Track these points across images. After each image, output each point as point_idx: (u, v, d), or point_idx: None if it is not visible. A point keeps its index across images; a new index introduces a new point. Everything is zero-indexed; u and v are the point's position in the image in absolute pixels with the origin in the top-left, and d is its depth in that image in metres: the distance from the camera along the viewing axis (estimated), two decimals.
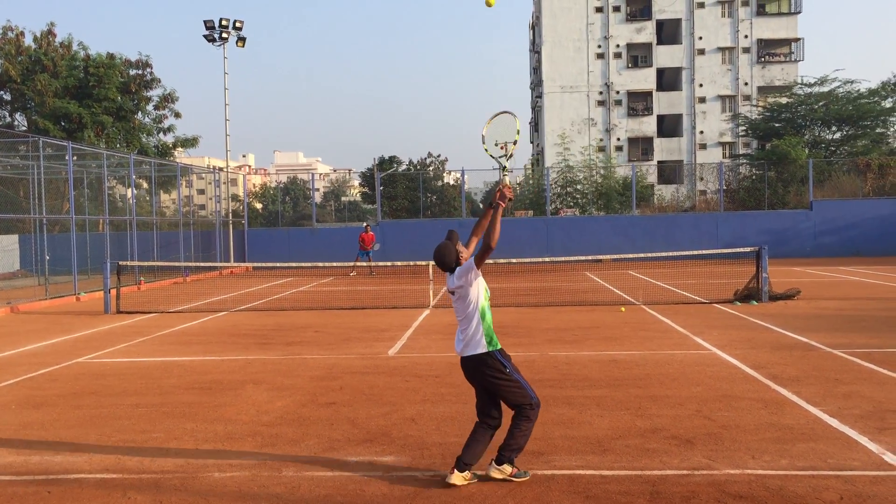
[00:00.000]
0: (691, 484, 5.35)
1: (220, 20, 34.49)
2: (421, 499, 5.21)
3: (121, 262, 18.62)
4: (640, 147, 62.96)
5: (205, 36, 34.86)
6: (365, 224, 30.05)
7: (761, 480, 5.39)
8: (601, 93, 62.46)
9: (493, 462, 5.47)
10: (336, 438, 6.69)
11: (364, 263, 26.26)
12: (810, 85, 48.80)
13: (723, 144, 61.84)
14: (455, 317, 5.62)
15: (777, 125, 47.26)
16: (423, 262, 18.63)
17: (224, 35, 34.59)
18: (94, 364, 10.75)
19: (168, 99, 39.48)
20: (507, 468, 5.45)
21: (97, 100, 35.98)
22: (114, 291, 17.36)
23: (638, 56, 63.04)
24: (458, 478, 5.38)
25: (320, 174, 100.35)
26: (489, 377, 5.44)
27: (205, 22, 34.56)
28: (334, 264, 22.49)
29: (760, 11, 61.98)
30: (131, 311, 17.20)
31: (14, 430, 7.26)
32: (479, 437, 5.51)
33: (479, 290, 5.49)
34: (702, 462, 5.81)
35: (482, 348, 5.43)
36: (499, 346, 5.53)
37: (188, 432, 7.00)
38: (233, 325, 14.78)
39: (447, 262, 5.54)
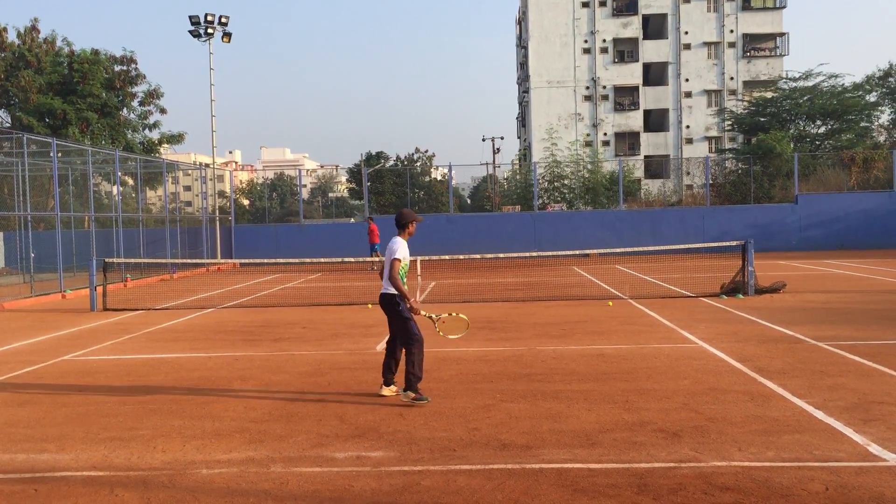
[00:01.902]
0: (678, 476, 5.38)
1: (206, 15, 34.32)
2: (409, 493, 5.22)
3: (107, 260, 18.51)
4: (627, 142, 63.16)
5: (190, 31, 34.66)
6: (368, 217, 29.54)
7: (748, 472, 5.43)
8: (588, 88, 62.59)
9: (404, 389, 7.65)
10: (324, 434, 6.69)
11: (370, 258, 26.12)
12: (795, 79, 49.06)
13: (709, 139, 62.13)
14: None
15: (762, 119, 47.51)
16: (412, 258, 18.58)
17: (210, 30, 34.42)
18: (80, 361, 10.69)
19: (153, 95, 39.17)
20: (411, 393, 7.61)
21: (81, 96, 35.69)
22: (100, 289, 17.27)
23: (624, 51, 63.20)
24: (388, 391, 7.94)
25: (307, 170, 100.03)
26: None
27: (190, 17, 34.39)
28: (322, 260, 22.38)
29: (746, 6, 62.25)
30: (118, 308, 17.12)
31: None
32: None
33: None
34: (689, 455, 5.84)
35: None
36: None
37: (175, 429, 6.98)
38: (220, 321, 14.73)
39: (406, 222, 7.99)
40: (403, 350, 7.77)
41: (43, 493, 5.43)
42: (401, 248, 7.75)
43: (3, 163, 29.45)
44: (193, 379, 9.24)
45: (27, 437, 6.86)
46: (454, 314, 8.42)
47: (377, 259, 25.37)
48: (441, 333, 8.29)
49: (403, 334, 7.70)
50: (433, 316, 8.17)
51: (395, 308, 7.71)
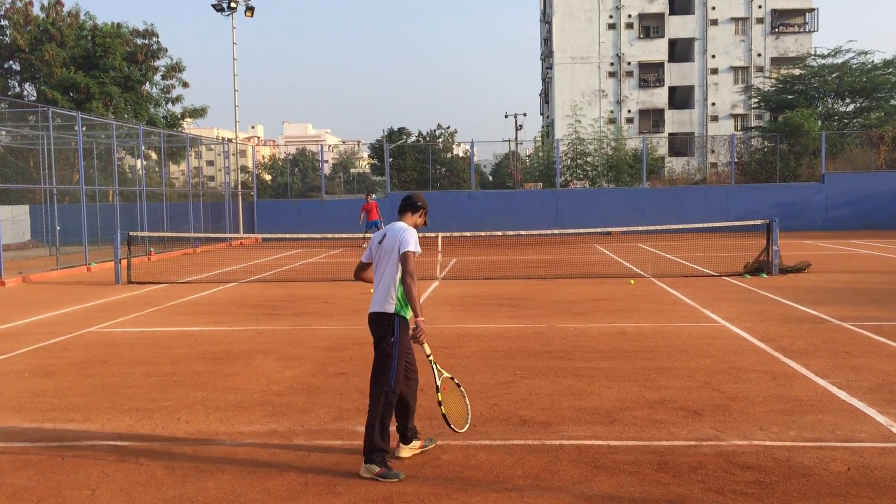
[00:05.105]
0: (699, 455, 5.37)
1: None
2: (430, 468, 5.26)
3: (131, 233, 18.69)
4: (651, 119, 62.51)
5: (213, 5, 34.63)
6: (366, 194, 29.36)
7: (769, 451, 5.41)
8: (612, 64, 61.91)
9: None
10: (345, 408, 6.74)
11: (371, 235, 26.26)
12: (824, 56, 48.23)
13: (735, 116, 61.34)
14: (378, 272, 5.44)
15: (790, 97, 46.81)
16: (432, 234, 18.65)
17: (233, 4, 34.35)
18: (105, 333, 10.83)
19: (175, 69, 39.30)
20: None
21: (104, 70, 35.85)
22: (124, 262, 17.45)
23: (650, 26, 62.37)
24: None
25: (329, 146, 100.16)
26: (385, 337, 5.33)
27: None
28: (343, 236, 22.49)
29: None
30: (142, 281, 17.29)
31: (27, 397, 7.34)
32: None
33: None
34: (710, 433, 5.83)
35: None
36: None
37: (199, 401, 7.06)
38: (242, 295, 14.85)
39: (415, 206, 5.57)
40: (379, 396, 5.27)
41: (69, 461, 5.53)
42: (415, 238, 5.38)
43: (29, 136, 29.74)
44: (216, 352, 9.34)
45: (54, 407, 6.98)
46: (456, 383, 5.71)
47: (366, 235, 25.13)
48: (441, 406, 5.36)
49: (383, 372, 5.26)
50: (435, 364, 5.48)
51: (388, 334, 5.29)
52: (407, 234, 5.31)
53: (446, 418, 5.31)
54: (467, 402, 5.63)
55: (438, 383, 5.38)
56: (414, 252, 5.27)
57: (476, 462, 5.34)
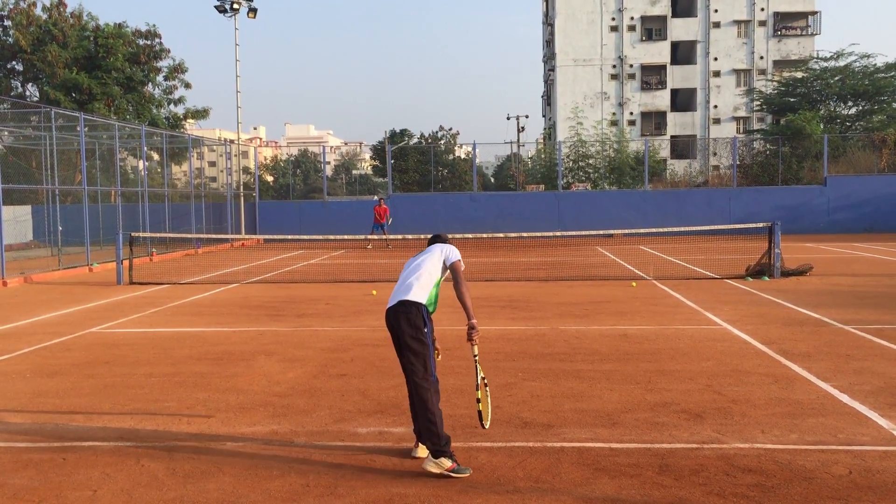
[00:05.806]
0: (700, 457, 5.37)
1: None
2: None
3: (133, 234, 18.70)
4: (654, 121, 62.51)
5: (216, 7, 34.67)
6: (378, 198, 29.90)
7: (770, 454, 5.40)
8: (614, 66, 61.93)
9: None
10: (347, 409, 6.74)
11: (376, 236, 26.48)
12: (826, 59, 48.22)
13: (737, 119, 61.33)
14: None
15: (792, 100, 46.81)
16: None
17: (235, 5, 34.39)
18: (106, 334, 10.84)
19: (178, 69, 39.32)
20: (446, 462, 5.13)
21: (106, 70, 35.87)
22: (126, 262, 17.46)
23: (652, 29, 62.39)
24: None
25: (331, 147, 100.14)
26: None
27: None
28: (345, 237, 22.51)
29: None
30: (143, 281, 17.30)
31: (29, 397, 7.34)
32: None
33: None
34: (711, 436, 5.82)
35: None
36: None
37: (200, 402, 7.06)
38: (244, 296, 14.85)
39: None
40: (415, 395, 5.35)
41: (71, 461, 5.53)
42: (460, 255, 5.68)
43: (31, 137, 29.78)
44: (218, 353, 9.34)
45: (56, 407, 6.98)
46: (485, 383, 5.60)
47: (376, 238, 26.00)
48: (479, 403, 5.39)
49: (421, 368, 5.33)
50: (478, 365, 5.60)
51: (422, 326, 5.40)
52: (454, 249, 5.63)
53: (481, 415, 5.35)
54: (489, 402, 5.64)
55: (479, 382, 5.45)
56: (461, 262, 5.56)
57: (477, 464, 5.33)
